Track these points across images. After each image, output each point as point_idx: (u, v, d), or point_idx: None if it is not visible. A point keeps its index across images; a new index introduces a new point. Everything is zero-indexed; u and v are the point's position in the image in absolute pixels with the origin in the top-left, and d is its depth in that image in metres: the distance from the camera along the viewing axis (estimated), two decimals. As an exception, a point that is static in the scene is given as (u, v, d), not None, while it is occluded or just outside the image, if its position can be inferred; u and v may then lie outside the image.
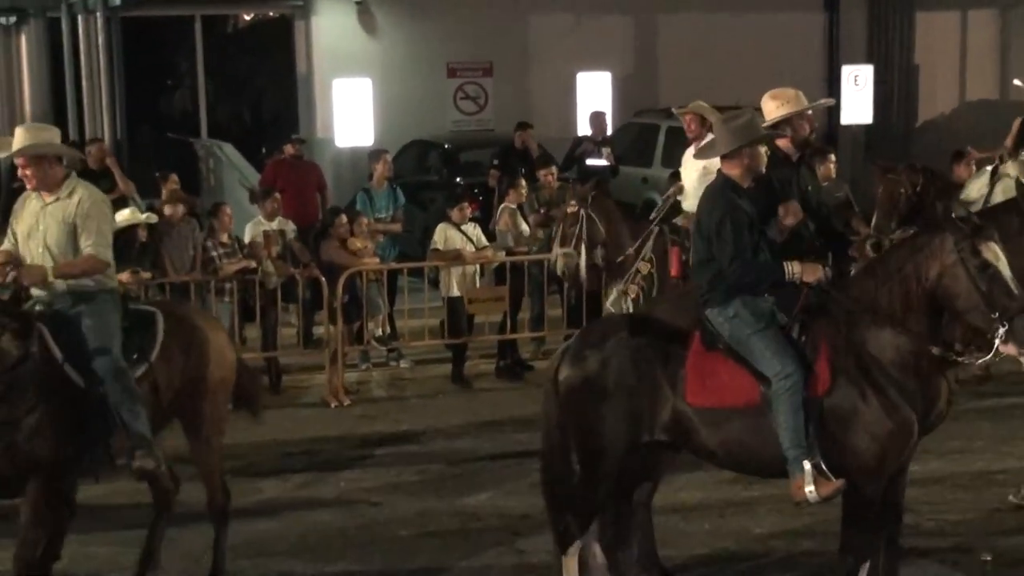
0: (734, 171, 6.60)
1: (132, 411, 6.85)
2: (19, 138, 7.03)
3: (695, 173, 10.23)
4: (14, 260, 6.96)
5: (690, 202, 10.45)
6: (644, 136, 18.03)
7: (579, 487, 6.81)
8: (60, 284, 6.95)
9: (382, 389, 12.40)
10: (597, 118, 16.47)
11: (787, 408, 6.30)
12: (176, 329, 7.24)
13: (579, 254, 10.84)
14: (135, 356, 7.01)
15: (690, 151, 10.50)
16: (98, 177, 13.45)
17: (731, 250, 6.42)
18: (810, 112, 7.52)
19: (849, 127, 20.97)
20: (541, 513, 7.86)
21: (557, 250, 10.97)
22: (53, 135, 7.19)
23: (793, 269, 6.47)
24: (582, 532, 6.88)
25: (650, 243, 10.59)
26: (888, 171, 12.20)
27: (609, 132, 16.73)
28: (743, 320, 6.46)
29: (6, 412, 6.55)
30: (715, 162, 10.27)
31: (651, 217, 10.92)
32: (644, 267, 10.55)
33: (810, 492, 6.36)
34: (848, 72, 20.49)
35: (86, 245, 6.93)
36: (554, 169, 13.39)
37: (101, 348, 6.83)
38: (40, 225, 6.98)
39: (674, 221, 10.71)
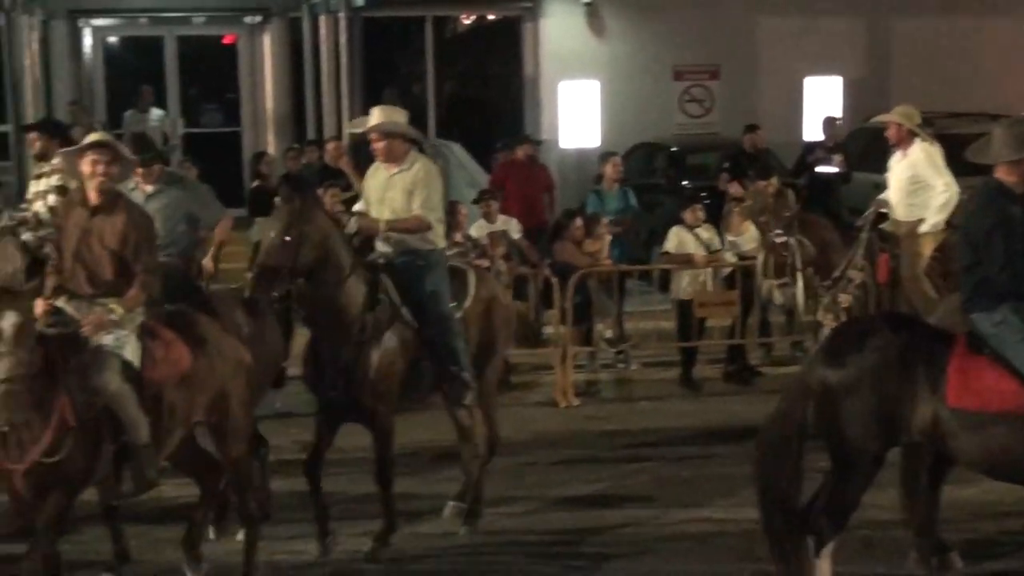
0: (1011, 178, 6.49)
1: (459, 349, 8.04)
2: (375, 116, 8.20)
3: (901, 180, 10.32)
4: None
5: (896, 208, 10.44)
6: (876, 142, 17.58)
7: (834, 487, 6.72)
8: (398, 240, 8.09)
9: (610, 391, 12.45)
10: (830, 124, 16.19)
11: None
12: (482, 287, 8.51)
13: (794, 282, 10.70)
14: (454, 305, 8.18)
15: (896, 156, 10.52)
16: (335, 174, 13.86)
17: (1001, 258, 6.31)
18: None
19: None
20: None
21: (768, 283, 10.85)
22: (402, 116, 8.24)
23: (1067, 283, 6.30)
24: (836, 532, 6.79)
25: (861, 251, 10.42)
26: None
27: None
28: (1011, 326, 6.35)
29: (360, 349, 7.72)
30: (923, 171, 10.21)
31: (857, 225, 10.74)
32: (857, 275, 10.37)
33: None
34: (1096, 78, 19.70)
35: (415, 206, 8.03)
36: (775, 180, 13.19)
37: (434, 296, 8.03)
38: (387, 192, 8.12)
39: (881, 227, 10.55)
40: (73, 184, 8.78)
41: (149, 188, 8.45)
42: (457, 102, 20.95)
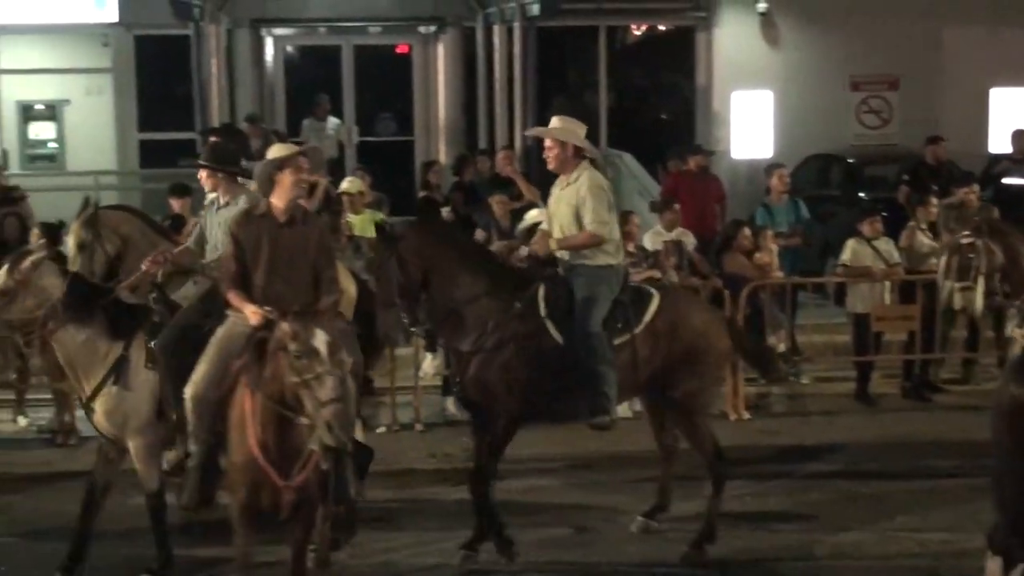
0: None
1: (600, 371, 7.81)
2: (552, 123, 8.39)
3: None
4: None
5: None
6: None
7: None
8: (566, 256, 8.04)
9: (782, 404, 12.21)
10: (1020, 136, 15.70)
11: None
12: (669, 312, 8.12)
13: (977, 286, 10.31)
14: (620, 326, 7.99)
15: None
16: (505, 183, 13.90)
17: None
18: None
19: None
20: (963, 539, 7.70)
21: (950, 284, 10.45)
22: (580, 128, 8.29)
23: None
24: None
25: None
26: None
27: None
28: None
29: (484, 348, 7.77)
30: None
31: None
32: None
33: None
34: None
35: (587, 223, 8.00)
36: (976, 187, 12.82)
37: (583, 312, 7.86)
38: (557, 208, 8.19)
39: None
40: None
41: (224, 199, 7.99)
42: (628, 112, 20.84)
